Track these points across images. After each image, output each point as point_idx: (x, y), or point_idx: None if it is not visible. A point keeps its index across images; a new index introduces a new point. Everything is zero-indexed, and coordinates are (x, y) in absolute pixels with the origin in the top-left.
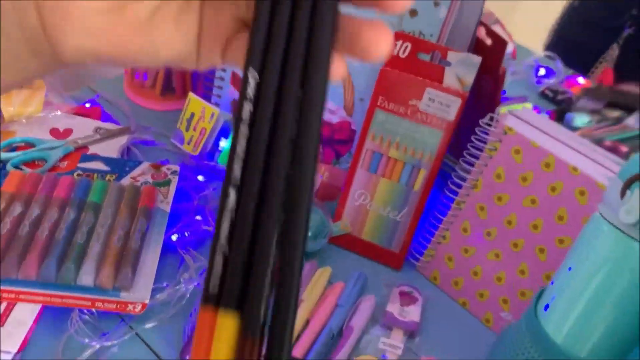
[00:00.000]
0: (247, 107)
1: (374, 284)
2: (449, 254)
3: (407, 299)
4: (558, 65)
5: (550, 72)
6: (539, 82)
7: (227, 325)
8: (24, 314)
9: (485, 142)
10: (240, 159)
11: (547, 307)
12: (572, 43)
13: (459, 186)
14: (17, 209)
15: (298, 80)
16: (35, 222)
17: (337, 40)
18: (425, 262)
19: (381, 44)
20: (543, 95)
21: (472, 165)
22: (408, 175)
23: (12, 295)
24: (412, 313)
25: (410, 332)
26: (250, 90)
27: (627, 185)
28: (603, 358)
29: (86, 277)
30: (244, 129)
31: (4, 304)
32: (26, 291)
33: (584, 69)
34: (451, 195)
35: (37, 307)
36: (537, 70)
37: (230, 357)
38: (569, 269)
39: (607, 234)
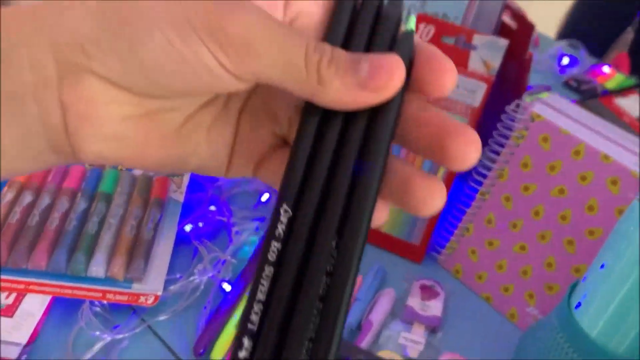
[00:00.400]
0: (275, 246)
1: (393, 278)
2: (473, 246)
3: (428, 293)
4: (582, 54)
5: (574, 61)
6: (562, 71)
7: None
8: (34, 306)
9: (511, 130)
10: (260, 304)
11: (579, 303)
12: (586, 28)
13: (484, 176)
14: (27, 198)
15: (334, 227)
16: (45, 212)
17: (383, 186)
18: (447, 255)
19: (436, 201)
20: (567, 85)
21: (497, 154)
22: (430, 164)
23: (22, 286)
24: (434, 307)
25: (432, 327)
26: (281, 228)
27: None
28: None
29: (97, 268)
30: (268, 271)
31: (13, 295)
32: (36, 282)
33: (599, 54)
34: (475, 185)
35: (46, 299)
36: (560, 59)
37: None
38: (603, 264)
39: None
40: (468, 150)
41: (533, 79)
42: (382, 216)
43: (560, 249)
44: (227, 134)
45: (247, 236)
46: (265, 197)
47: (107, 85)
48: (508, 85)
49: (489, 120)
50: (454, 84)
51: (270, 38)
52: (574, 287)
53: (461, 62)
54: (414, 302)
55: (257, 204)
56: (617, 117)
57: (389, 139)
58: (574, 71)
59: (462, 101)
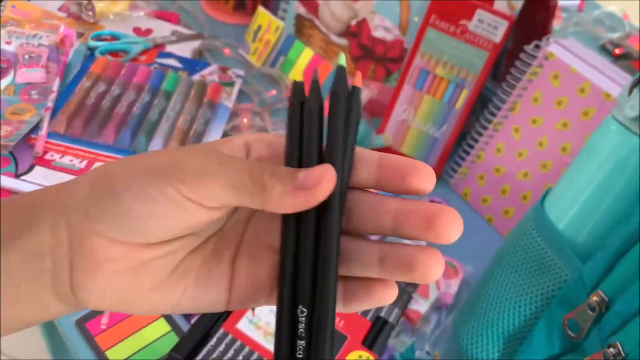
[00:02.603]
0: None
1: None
2: (481, 172)
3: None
4: (627, 22)
5: (617, 27)
6: (602, 36)
7: None
8: None
9: (528, 67)
10: None
11: (551, 200)
12: None
13: (498, 108)
14: (101, 87)
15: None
16: (115, 99)
17: (392, 266)
18: (458, 180)
19: (436, 272)
20: (603, 48)
21: (512, 88)
22: (451, 94)
23: (92, 156)
24: None
25: None
26: (302, 327)
27: (635, 84)
28: (596, 242)
29: (154, 147)
30: None
31: (85, 162)
32: (104, 154)
33: None
34: (490, 116)
35: None
36: (603, 24)
37: None
38: (572, 169)
39: (615, 132)
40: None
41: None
42: (393, 295)
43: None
44: (221, 275)
45: None
46: None
47: (105, 242)
48: (532, 30)
49: (510, 61)
50: (432, 184)
51: (220, 166)
52: (548, 190)
53: (488, 0)
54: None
55: None
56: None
57: (336, 230)
58: (614, 36)
59: (485, 36)
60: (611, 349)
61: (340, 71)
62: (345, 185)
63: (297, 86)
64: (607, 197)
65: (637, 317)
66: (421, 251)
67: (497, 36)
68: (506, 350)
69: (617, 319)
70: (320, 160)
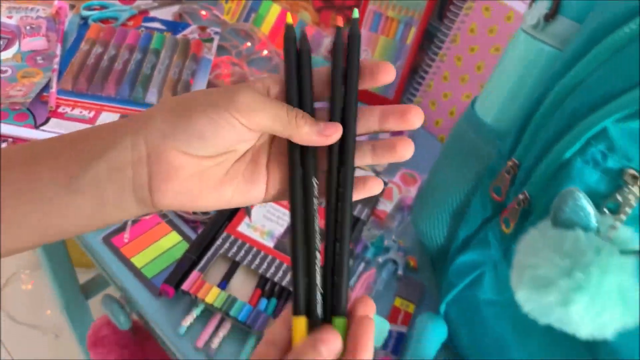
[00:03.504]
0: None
1: None
2: (433, 99)
3: (395, 132)
4: None
5: None
6: None
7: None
8: (108, 118)
9: (463, 4)
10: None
11: (479, 101)
12: None
13: (442, 41)
14: (98, 49)
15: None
16: (111, 59)
17: (376, 154)
18: None
19: (410, 148)
20: None
21: (452, 23)
22: (401, 32)
23: (98, 107)
24: None
25: None
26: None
27: None
28: (509, 126)
29: (151, 96)
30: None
31: (92, 112)
32: (108, 105)
33: None
34: (436, 49)
35: (116, 116)
36: None
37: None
38: (495, 73)
39: (522, 41)
40: (417, 116)
41: None
42: (380, 186)
43: None
44: (259, 177)
45: None
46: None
47: (178, 155)
48: None
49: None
50: (393, 77)
51: (265, 104)
52: (477, 95)
53: None
54: (383, 137)
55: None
56: None
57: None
58: None
59: None
60: (520, 196)
61: (355, 22)
62: (354, 126)
63: (289, 30)
64: (520, 93)
65: (537, 167)
66: (399, 139)
67: None
68: (452, 225)
69: (524, 174)
70: (312, 96)
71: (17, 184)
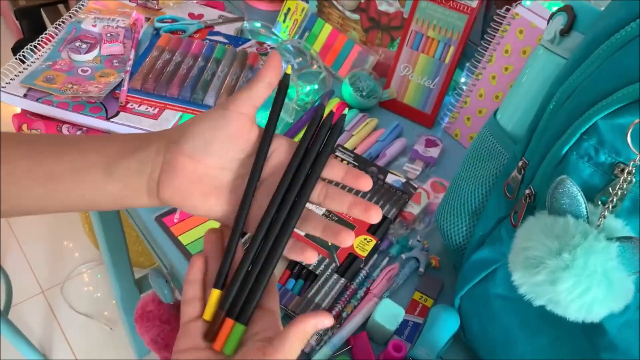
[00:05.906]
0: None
1: (409, 136)
2: (468, 115)
3: (431, 144)
4: None
5: None
6: None
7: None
8: (169, 116)
9: (499, 26)
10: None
11: (501, 110)
12: None
13: (479, 61)
14: (166, 56)
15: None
16: (177, 64)
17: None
18: (450, 123)
19: (349, 238)
20: None
21: (489, 44)
22: (441, 51)
23: (162, 105)
24: (432, 153)
25: (428, 164)
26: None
27: (551, 16)
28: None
29: (209, 98)
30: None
31: (157, 109)
32: (171, 104)
33: None
34: (473, 68)
35: (177, 114)
36: None
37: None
38: (515, 87)
39: (541, 55)
40: (375, 213)
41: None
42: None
43: None
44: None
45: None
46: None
47: (184, 158)
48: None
49: (487, 21)
50: (367, 189)
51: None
52: (499, 106)
53: None
54: (419, 147)
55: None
56: None
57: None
58: None
59: (464, 2)
60: (527, 191)
61: (342, 117)
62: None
63: (285, 78)
64: (538, 103)
65: (541, 164)
66: (344, 229)
67: (474, 2)
68: (471, 224)
69: (531, 171)
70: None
71: (73, 163)
